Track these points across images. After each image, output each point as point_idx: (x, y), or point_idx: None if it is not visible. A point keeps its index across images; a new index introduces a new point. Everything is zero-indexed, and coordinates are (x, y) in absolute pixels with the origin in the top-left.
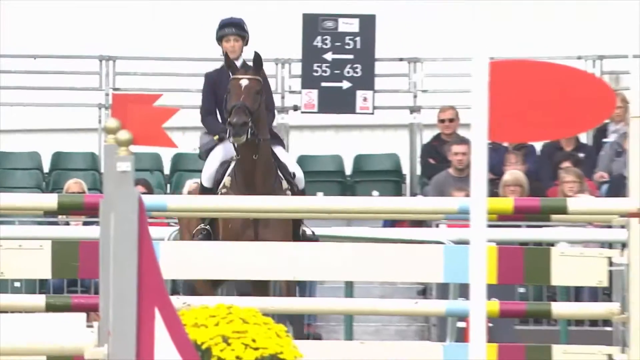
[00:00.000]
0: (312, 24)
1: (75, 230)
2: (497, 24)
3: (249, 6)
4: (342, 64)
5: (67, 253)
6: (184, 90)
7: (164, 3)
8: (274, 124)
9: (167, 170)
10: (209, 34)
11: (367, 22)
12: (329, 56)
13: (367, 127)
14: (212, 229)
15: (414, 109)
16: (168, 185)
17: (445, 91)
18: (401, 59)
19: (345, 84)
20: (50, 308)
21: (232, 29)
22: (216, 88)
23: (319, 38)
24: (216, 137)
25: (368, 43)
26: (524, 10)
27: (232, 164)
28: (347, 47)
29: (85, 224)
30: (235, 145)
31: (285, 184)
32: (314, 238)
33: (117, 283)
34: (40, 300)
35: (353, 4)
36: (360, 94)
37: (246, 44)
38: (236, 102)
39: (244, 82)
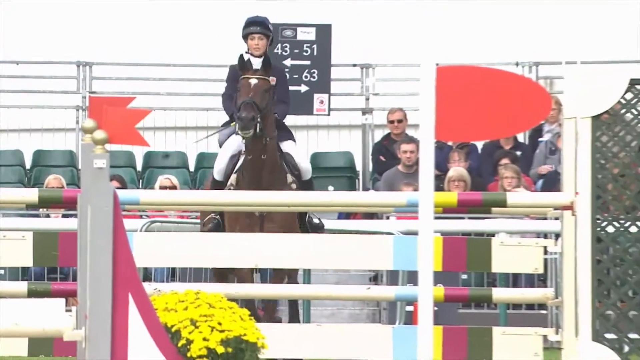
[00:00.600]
0: (273, 32)
1: (55, 222)
2: (443, 32)
3: (215, 13)
4: (300, 69)
5: (48, 243)
6: (155, 94)
7: (137, 13)
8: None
9: (139, 167)
10: (178, 41)
11: (323, 31)
12: (288, 62)
13: (324, 128)
14: (222, 218)
15: (366, 111)
16: (140, 181)
17: (394, 94)
18: (355, 65)
19: (304, 88)
20: (32, 294)
21: (257, 28)
22: (237, 79)
23: (279, 46)
24: (233, 124)
25: (324, 50)
26: (468, 20)
27: (241, 159)
28: (304, 54)
29: (64, 216)
30: (244, 141)
31: (290, 178)
32: (320, 225)
33: (94, 271)
34: (22, 286)
35: (310, 14)
36: (317, 97)
37: (271, 43)
38: (245, 99)
39: (253, 81)
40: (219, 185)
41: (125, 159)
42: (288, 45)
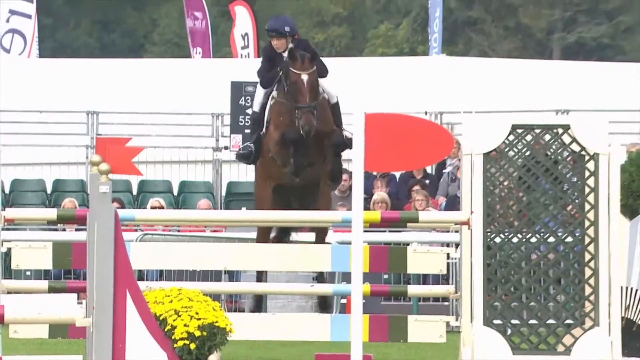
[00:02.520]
0: (238, 88)
1: (70, 234)
2: (369, 86)
3: (194, 72)
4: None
5: (64, 251)
6: (147, 135)
7: (132, 72)
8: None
9: (135, 192)
10: (165, 93)
11: None
12: (249, 111)
13: None
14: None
15: None
16: (135, 202)
17: None
18: None
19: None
20: (51, 290)
21: (273, 33)
22: (272, 60)
23: (242, 98)
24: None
25: None
26: (386, 76)
27: (274, 93)
28: None
29: (77, 230)
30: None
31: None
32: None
33: (99, 272)
34: (44, 284)
35: None
36: None
37: (292, 37)
38: (304, 104)
39: (305, 77)
40: (257, 115)
41: (124, 185)
42: (250, 98)
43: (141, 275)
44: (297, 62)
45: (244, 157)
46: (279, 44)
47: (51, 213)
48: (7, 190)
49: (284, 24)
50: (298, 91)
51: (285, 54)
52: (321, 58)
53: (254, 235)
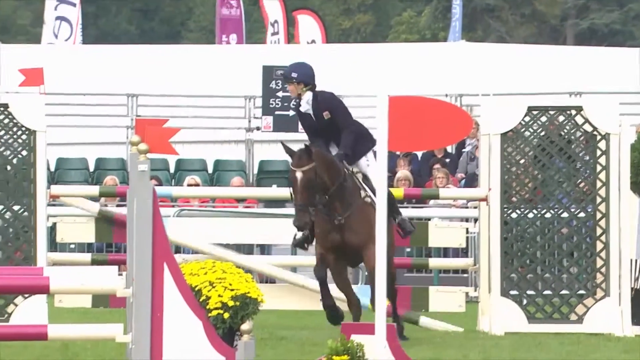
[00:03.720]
0: (269, 72)
1: (111, 209)
2: (393, 69)
3: (228, 58)
4: (288, 99)
5: (106, 225)
6: (184, 117)
7: (169, 56)
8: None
9: (172, 170)
10: (200, 76)
11: None
12: (280, 94)
13: (306, 142)
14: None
15: None
16: (173, 180)
17: (359, 117)
18: None
19: (291, 112)
20: (94, 262)
21: (283, 79)
22: (297, 110)
23: (273, 82)
24: None
25: None
26: (411, 60)
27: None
28: None
29: (118, 206)
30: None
31: (363, 193)
32: (411, 231)
33: (138, 245)
34: (87, 257)
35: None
36: None
37: (305, 84)
38: (296, 203)
39: (299, 175)
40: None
41: (162, 164)
42: (280, 81)
43: (178, 249)
44: (295, 158)
45: (299, 245)
46: (290, 89)
47: (93, 190)
48: (52, 169)
49: (292, 70)
50: (293, 189)
51: (302, 103)
52: (348, 44)
53: (284, 211)
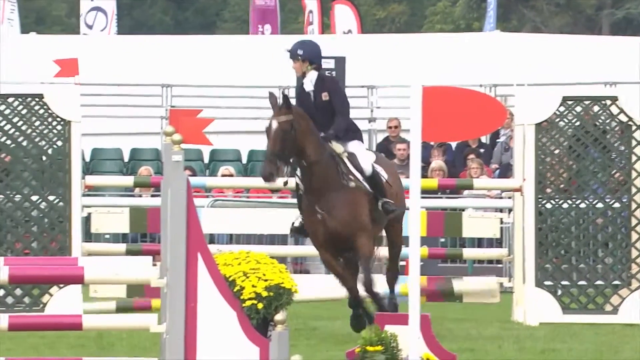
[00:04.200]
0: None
1: (145, 200)
2: (427, 60)
3: (262, 48)
4: None
5: (140, 215)
6: (218, 107)
7: (203, 47)
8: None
9: (206, 160)
10: (233, 67)
11: (340, 61)
12: None
13: None
14: None
15: (371, 120)
16: (207, 170)
17: (392, 107)
18: (362, 86)
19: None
20: (128, 253)
21: (289, 54)
22: (299, 84)
23: None
24: None
25: (340, 75)
26: (445, 50)
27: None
28: None
29: (152, 196)
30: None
31: (347, 179)
32: (392, 210)
33: (172, 236)
34: (122, 247)
35: (330, 49)
36: None
37: (311, 62)
38: (267, 151)
39: (274, 125)
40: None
41: (196, 154)
42: None
43: (212, 239)
44: (275, 108)
45: (299, 232)
46: (295, 66)
47: (128, 180)
48: (87, 159)
49: (299, 47)
50: (267, 139)
51: (305, 82)
52: (382, 34)
53: None
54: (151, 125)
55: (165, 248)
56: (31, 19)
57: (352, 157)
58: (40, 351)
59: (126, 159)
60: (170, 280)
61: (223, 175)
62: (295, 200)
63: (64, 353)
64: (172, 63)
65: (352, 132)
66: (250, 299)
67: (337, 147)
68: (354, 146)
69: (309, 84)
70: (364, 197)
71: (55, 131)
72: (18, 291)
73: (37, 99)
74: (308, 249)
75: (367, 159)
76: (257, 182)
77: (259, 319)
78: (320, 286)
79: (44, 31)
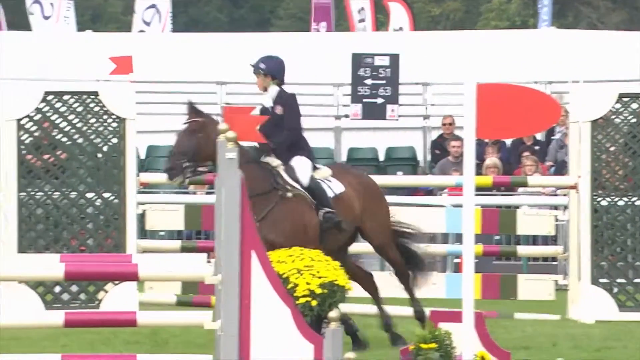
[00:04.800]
0: (358, 60)
1: (200, 197)
2: (481, 57)
3: (317, 45)
4: (377, 86)
5: (194, 212)
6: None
7: (262, 43)
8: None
9: None
10: (292, 64)
11: (394, 59)
12: (368, 81)
13: (394, 129)
14: None
15: (426, 117)
16: None
17: (446, 104)
18: (417, 83)
19: (379, 100)
20: (183, 250)
21: (252, 69)
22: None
23: (362, 69)
24: None
25: (394, 72)
26: (499, 48)
27: None
28: (380, 75)
29: (207, 193)
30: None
31: (284, 190)
32: (334, 220)
33: (226, 233)
34: (177, 244)
35: (384, 46)
36: (389, 107)
37: (273, 78)
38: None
39: (183, 126)
40: None
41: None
42: (368, 69)
43: None
44: (187, 117)
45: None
46: (257, 81)
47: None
48: (143, 156)
49: (261, 61)
50: None
51: (266, 97)
52: (436, 31)
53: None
54: None
55: (219, 245)
56: (87, 16)
57: (289, 169)
58: (95, 347)
59: None
60: (224, 278)
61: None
62: None
63: (119, 349)
64: (227, 60)
65: (299, 149)
66: (304, 296)
67: (272, 160)
68: (295, 160)
69: (268, 100)
70: (304, 206)
71: (110, 128)
72: (74, 288)
73: (92, 97)
74: (362, 246)
75: (305, 172)
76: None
77: (312, 317)
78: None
79: (100, 29)
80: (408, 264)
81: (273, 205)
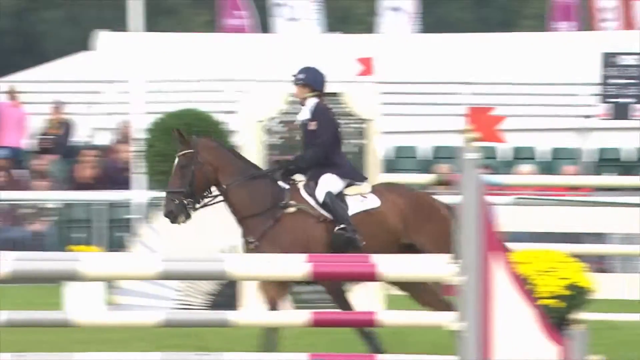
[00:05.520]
0: (608, 59)
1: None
2: None
3: (562, 43)
4: (627, 86)
5: None
6: (516, 105)
7: (506, 43)
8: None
9: (504, 158)
10: (536, 63)
11: None
12: (618, 81)
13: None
14: None
15: None
16: (507, 168)
17: None
18: None
19: (628, 100)
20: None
21: (293, 78)
22: None
23: (611, 69)
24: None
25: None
26: None
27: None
28: (629, 74)
29: (453, 195)
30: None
31: (286, 205)
32: (351, 239)
33: (467, 233)
34: None
35: (633, 44)
36: (637, 107)
37: (312, 90)
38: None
39: (175, 161)
40: None
41: (492, 152)
42: (617, 69)
43: (514, 237)
44: (179, 148)
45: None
46: (295, 92)
47: (423, 178)
48: (392, 157)
49: (301, 72)
50: None
51: (303, 110)
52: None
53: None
54: (451, 122)
55: (461, 246)
56: (332, 18)
57: (308, 185)
58: (347, 346)
59: (428, 157)
60: (468, 279)
61: (520, 174)
62: (593, 199)
63: (361, 349)
64: (472, 61)
65: (329, 166)
66: (546, 297)
67: (298, 176)
68: (323, 178)
69: (306, 113)
70: (307, 221)
71: (353, 128)
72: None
73: (336, 98)
74: (609, 247)
75: (324, 188)
76: (554, 179)
77: (556, 318)
78: (620, 286)
79: (347, 30)
80: None
81: (273, 222)
